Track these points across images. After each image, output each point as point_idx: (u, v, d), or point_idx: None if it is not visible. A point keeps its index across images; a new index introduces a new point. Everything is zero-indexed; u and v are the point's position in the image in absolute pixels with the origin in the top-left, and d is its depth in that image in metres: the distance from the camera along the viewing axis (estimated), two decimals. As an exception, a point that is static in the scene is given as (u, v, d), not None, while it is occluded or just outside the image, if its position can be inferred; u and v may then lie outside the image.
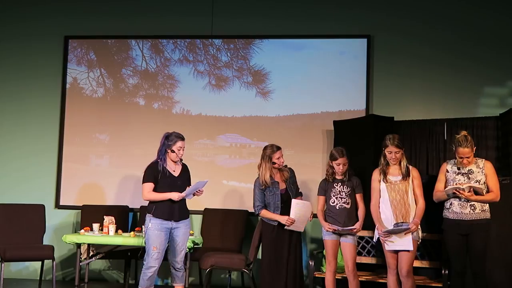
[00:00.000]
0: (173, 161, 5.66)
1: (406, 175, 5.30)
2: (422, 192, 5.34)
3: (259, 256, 6.13)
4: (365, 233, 6.18)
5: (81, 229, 6.66)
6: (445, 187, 5.24)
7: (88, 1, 7.87)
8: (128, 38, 7.78)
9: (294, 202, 5.67)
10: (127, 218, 7.35)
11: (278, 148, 5.77)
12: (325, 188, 5.66)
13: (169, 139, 5.61)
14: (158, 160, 5.62)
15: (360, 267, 6.01)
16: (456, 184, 5.15)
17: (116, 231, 6.43)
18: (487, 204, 5.17)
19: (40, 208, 6.99)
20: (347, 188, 5.59)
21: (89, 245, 6.57)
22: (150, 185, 5.56)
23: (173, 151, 5.59)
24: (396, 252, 5.25)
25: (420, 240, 5.34)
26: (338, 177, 5.63)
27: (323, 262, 6.32)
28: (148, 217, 5.56)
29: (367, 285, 6.00)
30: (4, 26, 7.96)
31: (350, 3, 7.41)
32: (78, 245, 6.43)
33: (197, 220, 7.33)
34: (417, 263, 5.94)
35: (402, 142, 5.36)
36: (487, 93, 7.06)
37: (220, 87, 7.60)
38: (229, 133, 7.53)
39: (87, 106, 7.76)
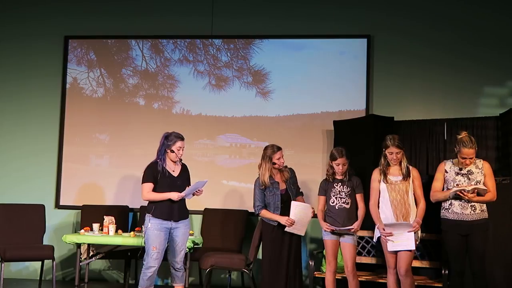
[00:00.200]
0: (172, 161, 5.65)
1: (406, 176, 5.30)
2: (423, 192, 5.34)
3: (259, 256, 6.13)
4: (365, 233, 6.18)
5: (81, 229, 6.66)
6: (443, 187, 5.24)
7: (88, 1, 7.87)
8: (128, 38, 7.78)
9: (294, 204, 5.66)
10: (127, 218, 7.35)
11: (279, 149, 5.76)
12: (325, 188, 5.66)
13: (169, 139, 5.60)
14: (158, 160, 5.62)
15: (360, 267, 6.01)
16: (457, 185, 5.14)
17: (116, 231, 6.43)
18: (485, 204, 5.17)
19: (40, 208, 6.99)
20: (347, 188, 5.59)
21: (89, 245, 6.57)
22: (150, 185, 5.56)
23: (172, 151, 5.59)
24: (396, 251, 5.25)
25: (419, 240, 5.33)
26: (338, 177, 5.62)
27: (323, 262, 6.32)
28: (148, 217, 5.55)
29: (367, 285, 6.01)
30: (4, 26, 7.96)
31: (350, 3, 7.41)
32: (78, 245, 6.43)
33: (197, 220, 7.33)
34: (417, 263, 5.95)
35: (402, 143, 5.36)
36: (487, 93, 7.06)
37: (220, 87, 7.60)
38: (229, 133, 7.53)
39: (87, 106, 7.76)
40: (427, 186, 5.47)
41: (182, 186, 5.62)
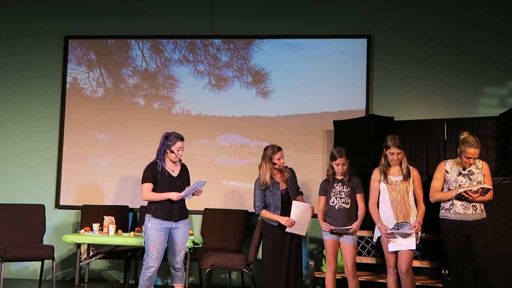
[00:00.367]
0: (172, 161, 5.65)
1: (407, 176, 5.31)
2: (422, 193, 5.34)
3: (259, 256, 6.13)
4: (365, 233, 6.18)
5: (81, 229, 6.66)
6: (443, 187, 5.22)
7: (88, 1, 7.87)
8: (128, 38, 7.78)
9: (294, 204, 5.66)
10: (127, 218, 7.35)
11: (279, 149, 5.76)
12: (325, 188, 5.66)
13: (169, 139, 5.60)
14: (157, 160, 5.62)
15: (360, 267, 6.01)
16: (459, 185, 5.13)
17: (116, 231, 6.43)
18: (483, 204, 5.18)
19: (40, 208, 6.99)
20: (347, 188, 5.59)
21: (89, 245, 6.57)
22: (149, 185, 5.56)
23: (172, 152, 5.59)
24: (397, 251, 5.25)
25: (419, 240, 5.33)
26: (338, 177, 5.63)
27: (323, 262, 6.32)
28: (148, 217, 5.55)
29: (367, 285, 6.01)
30: (4, 26, 7.96)
31: (350, 3, 7.41)
32: (78, 245, 6.43)
33: (197, 220, 7.33)
34: (417, 263, 5.95)
35: (402, 143, 5.36)
36: (487, 93, 7.06)
37: (220, 87, 7.60)
38: (229, 133, 7.53)
39: (87, 106, 7.76)
40: (427, 186, 5.47)
41: (181, 186, 5.62)
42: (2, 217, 6.79)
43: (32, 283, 7.17)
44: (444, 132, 6.50)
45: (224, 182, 7.47)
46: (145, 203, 5.72)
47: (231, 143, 7.53)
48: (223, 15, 7.58)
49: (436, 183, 5.25)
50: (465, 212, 5.11)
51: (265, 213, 5.71)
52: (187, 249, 5.84)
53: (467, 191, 5.03)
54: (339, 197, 5.58)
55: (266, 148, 5.79)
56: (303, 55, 7.46)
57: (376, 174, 5.39)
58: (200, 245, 6.58)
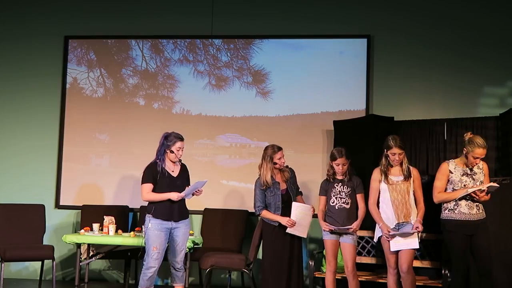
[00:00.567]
0: (172, 161, 5.65)
1: (408, 176, 5.31)
2: (422, 193, 5.35)
3: (259, 256, 6.13)
4: (365, 233, 6.18)
5: (81, 229, 6.66)
6: (446, 188, 5.22)
7: (88, 1, 7.87)
8: (128, 38, 7.78)
9: (294, 205, 5.66)
10: (127, 218, 7.36)
11: (280, 149, 5.75)
12: (326, 188, 5.66)
13: (168, 140, 5.59)
14: (157, 161, 5.61)
15: (360, 267, 6.01)
16: (464, 185, 5.13)
17: (116, 231, 6.43)
18: (482, 204, 5.20)
19: (40, 208, 6.99)
20: (347, 188, 5.59)
21: (89, 245, 6.57)
22: (149, 186, 5.56)
23: (172, 152, 5.59)
24: (398, 250, 5.25)
25: (419, 240, 5.33)
26: (338, 177, 5.63)
27: (323, 262, 6.32)
28: (148, 217, 5.55)
29: (367, 285, 6.01)
30: (4, 26, 7.96)
31: (350, 3, 7.41)
32: (78, 245, 6.44)
33: (197, 220, 7.33)
34: (417, 263, 5.94)
35: (403, 143, 5.37)
36: (487, 93, 7.06)
37: (220, 87, 7.60)
38: (229, 133, 7.53)
39: (87, 106, 7.76)
40: (427, 186, 5.47)
41: (181, 186, 5.62)
42: (2, 217, 6.79)
43: (32, 283, 7.17)
44: (444, 132, 6.51)
45: (224, 182, 7.47)
46: (145, 203, 5.72)
47: (231, 143, 7.53)
48: (223, 15, 7.58)
49: (439, 184, 5.22)
50: (470, 212, 5.10)
51: (265, 214, 5.71)
52: (187, 249, 5.84)
53: (476, 191, 5.03)
54: (339, 197, 5.58)
55: (266, 148, 5.78)
56: (303, 55, 7.46)
57: (376, 174, 5.39)
58: (200, 245, 6.58)
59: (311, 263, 6.17)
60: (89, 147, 7.72)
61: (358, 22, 7.36)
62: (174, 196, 5.51)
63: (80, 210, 7.33)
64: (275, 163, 5.70)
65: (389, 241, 5.24)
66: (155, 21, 7.71)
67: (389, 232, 5.23)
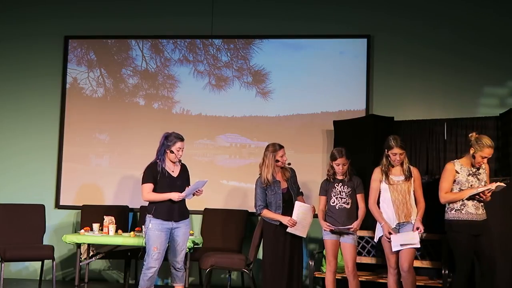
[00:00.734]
0: (172, 161, 5.65)
1: (409, 176, 5.31)
2: (422, 193, 5.35)
3: (259, 256, 6.13)
4: (365, 233, 6.18)
5: (81, 229, 6.66)
6: (452, 188, 5.21)
7: (88, 1, 7.87)
8: (128, 38, 7.78)
9: (297, 204, 5.67)
10: (127, 218, 7.36)
11: (281, 147, 5.76)
12: (326, 188, 5.66)
13: (169, 140, 5.59)
14: (157, 161, 5.61)
15: (360, 267, 6.01)
16: (471, 185, 5.13)
17: (116, 231, 6.43)
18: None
19: (40, 208, 6.99)
20: (347, 188, 5.59)
21: (89, 245, 6.57)
22: (150, 186, 5.56)
23: (172, 152, 5.58)
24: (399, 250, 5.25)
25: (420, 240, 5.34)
26: (339, 177, 5.63)
27: (323, 262, 6.32)
28: (148, 217, 5.55)
29: (367, 285, 6.01)
30: (4, 26, 7.96)
31: (350, 3, 7.41)
32: (78, 245, 6.43)
33: (197, 220, 7.33)
34: (417, 263, 5.94)
35: (404, 143, 5.37)
36: (487, 93, 7.07)
37: (220, 87, 7.60)
38: (229, 133, 7.53)
39: (87, 106, 7.76)
40: (426, 187, 5.47)
41: (181, 187, 5.62)
42: (2, 217, 6.79)
43: (32, 283, 7.17)
44: (444, 132, 6.50)
45: (224, 182, 7.47)
46: (145, 203, 5.72)
47: (231, 143, 7.53)
48: (223, 15, 7.58)
49: (446, 185, 5.19)
50: (476, 212, 5.11)
51: (266, 213, 5.70)
52: (187, 249, 5.84)
53: (484, 191, 5.04)
54: (339, 197, 5.58)
55: (268, 146, 5.78)
56: (303, 55, 7.46)
57: (377, 173, 5.39)
58: (200, 245, 6.58)
59: (311, 263, 6.17)
60: (89, 147, 7.72)
61: (358, 22, 7.36)
62: (174, 196, 5.51)
63: (80, 210, 7.34)
64: (277, 161, 5.70)
65: (390, 241, 5.24)
66: (155, 21, 7.71)
67: (390, 233, 5.22)
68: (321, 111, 7.36)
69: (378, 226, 5.39)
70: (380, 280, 5.98)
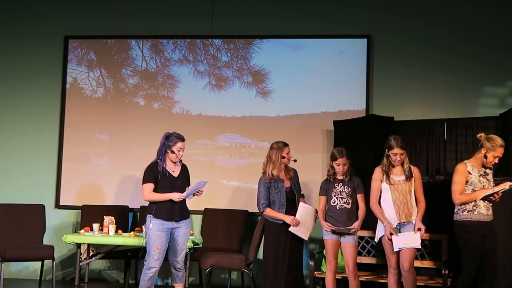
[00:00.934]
0: (172, 161, 5.65)
1: (409, 176, 5.31)
2: (423, 192, 5.36)
3: (259, 256, 6.13)
4: (365, 233, 6.18)
5: (81, 229, 6.66)
6: (465, 189, 5.19)
7: (88, 1, 7.87)
8: (128, 38, 7.78)
9: (302, 205, 5.70)
10: (127, 218, 7.36)
11: (286, 144, 5.81)
12: (326, 188, 5.66)
13: (169, 140, 5.59)
14: (158, 161, 5.62)
15: (360, 267, 6.00)
16: (483, 186, 5.14)
17: (116, 231, 6.42)
18: None
19: (40, 208, 6.99)
20: (348, 188, 5.59)
21: (89, 245, 6.57)
22: (150, 186, 5.56)
23: (173, 152, 5.58)
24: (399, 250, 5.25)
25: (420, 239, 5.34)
26: (339, 177, 5.63)
27: (323, 262, 6.33)
28: (149, 217, 5.55)
29: (367, 285, 6.00)
30: (4, 26, 7.96)
31: (350, 3, 7.41)
32: (78, 245, 6.43)
33: (197, 220, 7.33)
34: (417, 263, 5.94)
35: (405, 143, 5.37)
36: (487, 93, 7.07)
37: (220, 87, 7.60)
38: (229, 133, 7.53)
39: (87, 106, 7.76)
40: (427, 186, 5.48)
41: (182, 187, 5.62)
42: (2, 217, 6.79)
43: (32, 283, 7.17)
44: (444, 132, 6.50)
45: (224, 182, 7.47)
46: (146, 203, 5.72)
47: (231, 143, 7.53)
48: (223, 15, 7.58)
49: (458, 187, 5.17)
50: (487, 213, 5.13)
51: (269, 211, 5.71)
52: (187, 249, 5.84)
53: (498, 191, 5.06)
54: (340, 197, 5.58)
55: (273, 144, 5.82)
56: (303, 55, 7.46)
57: (377, 173, 5.39)
58: (200, 245, 6.58)
59: (311, 263, 6.17)
60: (89, 147, 7.72)
61: (358, 22, 7.36)
62: (175, 196, 5.51)
63: (80, 210, 7.34)
64: (283, 157, 5.73)
65: (391, 240, 5.23)
66: (155, 21, 7.71)
67: (391, 234, 5.22)
68: (321, 111, 7.36)
69: (379, 226, 5.39)
70: (380, 280, 5.98)
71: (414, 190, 5.34)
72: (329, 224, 5.53)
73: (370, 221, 5.65)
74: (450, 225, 5.95)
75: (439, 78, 7.15)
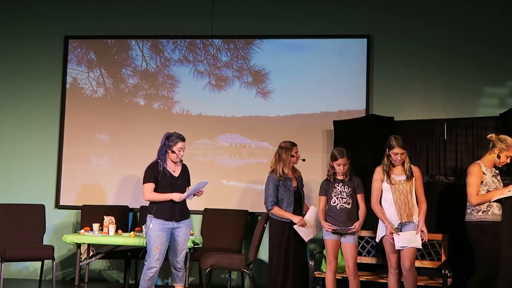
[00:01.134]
0: (173, 161, 5.65)
1: (410, 176, 5.31)
2: (424, 192, 5.36)
3: (259, 256, 6.13)
4: (365, 233, 6.18)
5: (81, 229, 6.66)
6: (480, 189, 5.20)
7: (88, 1, 7.87)
8: (128, 38, 7.78)
9: (312, 208, 5.84)
10: (127, 218, 7.35)
11: (294, 144, 5.93)
12: (326, 188, 5.67)
13: (170, 140, 5.60)
14: (158, 161, 5.62)
15: (360, 267, 6.00)
16: (497, 187, 5.15)
17: (116, 231, 6.42)
18: None
19: (40, 208, 6.98)
20: (348, 188, 5.60)
21: (89, 245, 6.57)
22: (151, 186, 5.56)
23: (173, 152, 5.59)
24: (399, 250, 5.24)
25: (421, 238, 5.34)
26: (339, 177, 5.63)
27: (323, 262, 6.33)
28: (149, 217, 5.55)
29: (367, 285, 6.00)
30: (4, 26, 7.96)
31: (350, 3, 7.41)
32: (78, 245, 6.43)
33: (197, 220, 7.33)
34: (417, 263, 5.93)
35: (405, 143, 5.37)
36: (487, 93, 7.06)
37: (220, 87, 7.60)
38: (229, 133, 7.53)
39: (87, 106, 7.76)
40: (427, 186, 5.47)
41: (182, 187, 5.63)
42: (2, 217, 6.79)
43: (32, 283, 7.17)
44: (444, 132, 6.50)
45: (224, 182, 7.47)
46: (146, 203, 5.72)
47: (231, 143, 7.53)
48: (223, 15, 7.58)
49: (474, 189, 5.15)
50: (499, 213, 5.15)
51: (277, 210, 5.77)
52: (187, 249, 5.84)
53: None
54: (340, 197, 5.59)
55: (281, 144, 5.92)
56: (303, 55, 7.46)
57: (378, 173, 5.39)
58: (200, 245, 6.58)
59: (311, 263, 6.17)
60: (89, 147, 7.72)
61: (358, 22, 7.36)
62: (176, 197, 5.51)
63: (80, 210, 7.33)
64: (292, 156, 5.83)
65: (392, 239, 5.23)
66: (155, 21, 7.71)
67: (392, 233, 5.22)
68: (321, 111, 7.36)
69: (380, 226, 5.39)
70: (381, 280, 5.98)
71: (415, 190, 5.34)
72: (329, 224, 5.53)
73: (370, 221, 5.65)
74: (451, 225, 5.96)
75: (439, 78, 7.14)
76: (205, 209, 7.26)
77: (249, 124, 7.49)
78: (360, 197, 5.63)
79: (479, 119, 6.46)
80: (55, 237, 7.40)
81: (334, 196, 5.60)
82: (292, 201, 5.77)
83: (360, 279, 5.66)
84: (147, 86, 7.73)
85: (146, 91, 7.73)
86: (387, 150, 5.35)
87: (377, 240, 5.46)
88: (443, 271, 5.70)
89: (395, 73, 7.24)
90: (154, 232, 5.50)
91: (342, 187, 5.60)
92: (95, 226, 6.48)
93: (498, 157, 5.16)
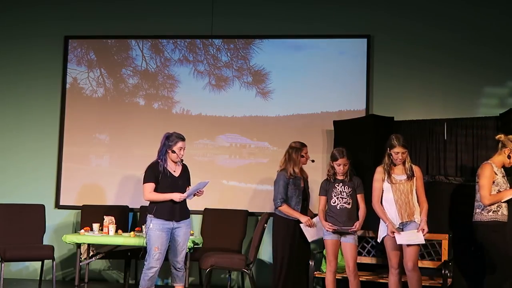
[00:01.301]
0: (173, 161, 5.65)
1: (411, 175, 5.31)
2: (424, 192, 5.36)
3: (259, 256, 6.14)
4: (365, 233, 6.18)
5: (81, 229, 6.66)
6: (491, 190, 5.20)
7: (88, 1, 7.87)
8: (128, 38, 7.78)
9: (321, 221, 5.80)
10: (127, 218, 7.35)
11: (304, 145, 6.00)
12: (326, 188, 5.68)
13: (170, 140, 5.60)
14: (159, 160, 5.62)
15: (360, 267, 6.00)
16: (506, 187, 5.16)
17: (116, 231, 6.42)
18: None
19: (40, 208, 6.98)
20: (348, 188, 5.60)
21: (89, 245, 6.57)
22: (152, 185, 5.56)
23: (173, 152, 5.59)
24: (400, 249, 5.24)
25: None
26: (339, 177, 5.64)
27: (323, 262, 6.33)
28: (149, 217, 5.55)
29: (367, 285, 6.01)
30: (4, 26, 7.96)
31: (350, 3, 7.41)
32: (78, 245, 6.43)
33: (197, 220, 7.33)
34: (417, 263, 5.95)
35: (406, 142, 5.38)
36: (487, 93, 7.07)
37: (220, 87, 7.60)
38: (229, 133, 7.53)
39: (87, 106, 7.76)
40: (427, 186, 5.47)
41: (183, 186, 5.63)
42: (2, 217, 6.79)
43: (32, 283, 7.17)
44: (444, 132, 6.50)
45: (224, 182, 7.47)
46: (146, 203, 5.73)
47: (231, 143, 7.53)
48: (223, 15, 7.58)
49: (487, 191, 5.15)
50: (508, 213, 5.16)
51: (285, 208, 5.81)
52: (187, 249, 5.84)
53: None
54: (340, 197, 5.59)
55: (291, 144, 6.00)
56: (303, 55, 7.46)
57: (379, 173, 5.38)
58: (200, 245, 6.58)
59: (311, 263, 6.17)
60: (89, 147, 7.72)
61: (358, 22, 7.36)
62: (176, 197, 5.51)
63: (80, 210, 7.33)
64: (302, 156, 5.91)
65: (393, 237, 5.23)
66: (155, 21, 7.71)
67: (393, 233, 5.22)
68: (321, 111, 7.36)
69: (381, 226, 5.38)
70: (380, 280, 5.98)
71: (416, 190, 5.33)
72: (330, 224, 5.53)
73: (370, 221, 5.65)
74: (451, 225, 5.97)
75: (439, 78, 7.14)
76: (205, 209, 7.26)
77: (249, 124, 7.49)
78: (360, 197, 5.64)
79: (479, 119, 6.47)
80: (55, 237, 7.40)
81: (334, 196, 5.61)
82: (300, 199, 5.85)
83: (360, 279, 5.66)
84: (147, 86, 7.73)
85: (146, 91, 7.73)
86: (388, 149, 5.34)
87: (379, 240, 5.45)
88: (443, 271, 5.70)
89: (395, 73, 7.24)
90: (154, 232, 5.50)
91: (342, 187, 5.61)
92: (95, 226, 6.48)
93: (509, 157, 5.19)
